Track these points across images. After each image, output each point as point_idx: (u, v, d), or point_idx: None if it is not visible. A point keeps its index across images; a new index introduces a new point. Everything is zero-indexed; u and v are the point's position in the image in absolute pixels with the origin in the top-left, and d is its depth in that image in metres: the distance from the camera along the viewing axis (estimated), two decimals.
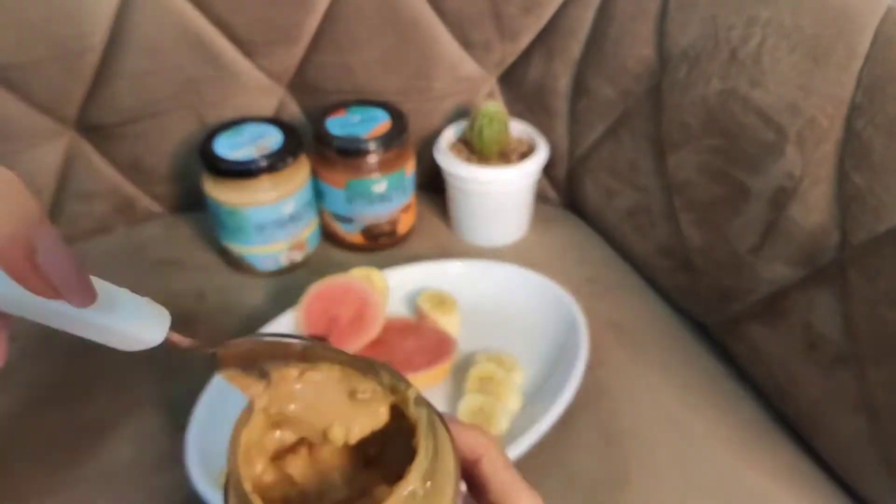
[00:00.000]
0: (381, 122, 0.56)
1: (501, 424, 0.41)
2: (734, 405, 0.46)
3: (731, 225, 0.45)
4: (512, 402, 0.43)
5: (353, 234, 0.59)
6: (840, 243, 0.39)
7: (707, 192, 0.47)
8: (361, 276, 0.50)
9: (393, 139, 0.55)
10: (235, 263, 0.57)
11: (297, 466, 0.24)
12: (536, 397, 0.44)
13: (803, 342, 0.41)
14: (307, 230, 0.57)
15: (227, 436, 0.43)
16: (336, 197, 0.57)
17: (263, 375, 0.25)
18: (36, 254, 0.18)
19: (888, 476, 0.38)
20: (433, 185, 0.64)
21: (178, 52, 0.57)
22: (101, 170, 0.60)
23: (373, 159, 0.55)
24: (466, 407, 0.43)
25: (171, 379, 0.47)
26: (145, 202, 0.63)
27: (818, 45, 0.40)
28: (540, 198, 0.64)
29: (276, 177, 0.53)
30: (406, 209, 0.59)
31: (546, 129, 0.60)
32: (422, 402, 0.22)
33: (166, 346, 0.22)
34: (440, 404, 0.44)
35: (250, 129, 0.55)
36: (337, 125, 0.56)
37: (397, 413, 0.23)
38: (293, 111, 0.64)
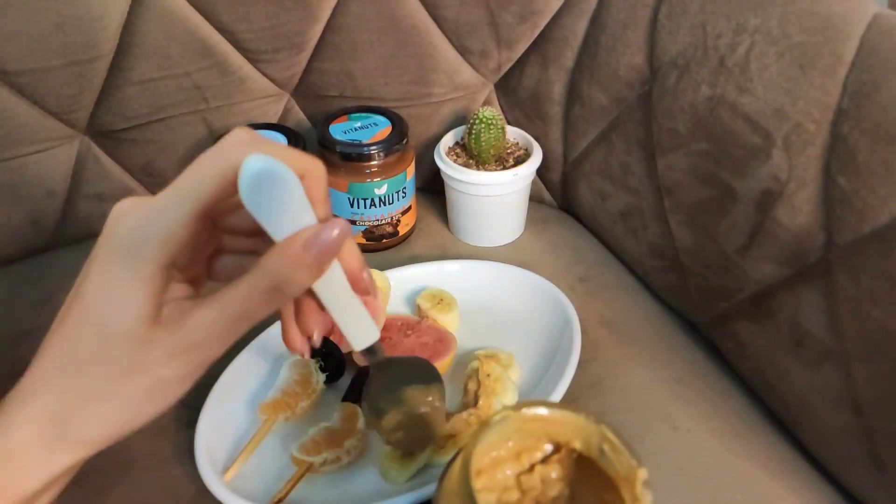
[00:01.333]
0: (382, 128, 0.57)
1: None
2: (723, 399, 0.47)
3: (719, 226, 0.46)
4: (508, 397, 0.44)
5: (355, 235, 0.60)
6: (826, 244, 0.39)
7: (696, 194, 0.48)
8: None
9: (393, 144, 0.56)
10: None
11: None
12: (532, 392, 0.45)
13: (790, 339, 0.42)
14: None
15: (234, 430, 0.45)
16: (339, 199, 0.58)
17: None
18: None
19: (873, 469, 0.38)
20: (433, 188, 0.65)
21: (185, 59, 0.58)
22: (112, 172, 0.61)
23: (374, 163, 0.56)
24: (464, 401, 0.44)
25: None
26: None
27: (805, 52, 0.41)
28: (535, 200, 0.65)
29: None
30: (406, 211, 0.60)
31: (541, 135, 0.61)
32: (648, 485, 0.25)
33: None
34: None
35: None
36: (340, 131, 0.57)
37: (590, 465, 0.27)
38: (297, 117, 0.65)
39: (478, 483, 0.28)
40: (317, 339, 0.29)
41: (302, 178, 0.25)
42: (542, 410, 0.28)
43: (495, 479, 0.29)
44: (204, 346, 0.24)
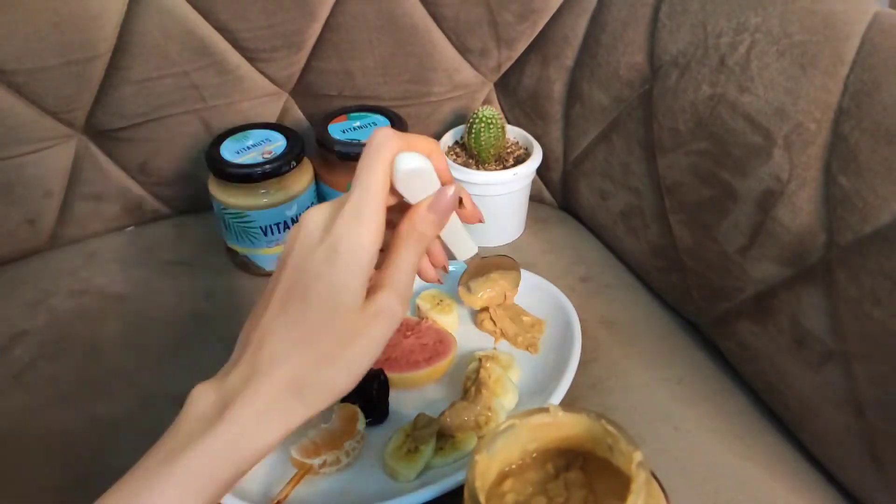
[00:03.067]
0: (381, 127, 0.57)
1: (498, 420, 0.42)
2: (724, 399, 0.47)
3: (720, 226, 0.46)
4: (508, 399, 0.44)
5: None
6: (827, 243, 0.39)
7: (697, 194, 0.48)
8: None
9: None
10: (242, 264, 0.58)
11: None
12: (532, 393, 0.45)
13: (791, 339, 0.42)
14: None
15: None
16: None
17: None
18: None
19: (874, 470, 0.38)
20: None
21: (183, 58, 0.58)
22: (109, 172, 0.61)
23: None
24: (464, 403, 0.44)
25: (184, 376, 0.48)
26: (153, 204, 0.64)
27: (806, 51, 0.41)
28: (536, 199, 0.65)
29: (280, 181, 0.54)
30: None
31: (541, 134, 0.61)
32: (644, 466, 0.26)
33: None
34: (439, 401, 0.45)
35: (255, 135, 0.56)
36: (338, 130, 0.57)
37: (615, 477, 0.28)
38: (296, 116, 0.65)
39: (506, 485, 0.29)
40: (447, 269, 0.39)
41: (429, 156, 0.32)
42: (545, 417, 0.29)
43: (523, 484, 0.30)
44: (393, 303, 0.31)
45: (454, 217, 0.36)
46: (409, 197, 0.32)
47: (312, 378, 0.30)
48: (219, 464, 0.28)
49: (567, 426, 0.29)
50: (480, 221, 0.37)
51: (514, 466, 0.30)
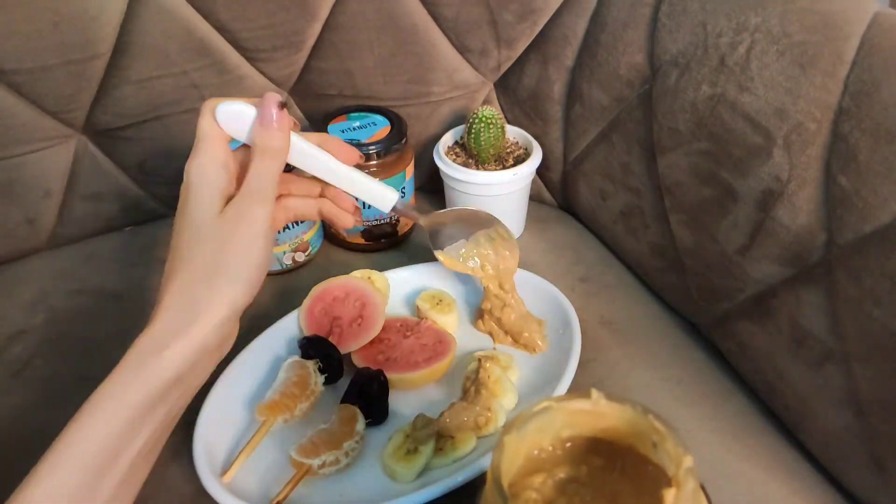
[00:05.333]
0: (380, 128, 0.57)
1: (498, 420, 0.42)
2: (724, 400, 0.47)
3: (719, 226, 0.46)
4: (508, 399, 0.43)
5: (354, 235, 0.60)
6: (826, 243, 0.39)
7: (696, 193, 0.48)
8: (362, 276, 0.51)
9: (392, 144, 0.56)
10: None
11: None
12: (531, 393, 0.45)
13: (791, 339, 0.42)
14: (310, 232, 0.58)
15: (232, 431, 0.45)
16: None
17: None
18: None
19: (874, 471, 0.38)
20: (432, 188, 0.65)
21: (183, 57, 0.58)
22: (108, 172, 0.61)
23: (373, 163, 0.56)
24: (463, 404, 0.44)
25: None
26: (152, 203, 0.64)
27: (805, 51, 0.41)
28: (535, 199, 0.65)
29: None
30: None
31: (541, 134, 0.61)
32: (693, 473, 0.23)
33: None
34: (439, 401, 0.45)
35: None
36: (338, 130, 0.57)
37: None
38: (296, 116, 0.65)
39: (535, 480, 0.27)
40: (359, 210, 0.45)
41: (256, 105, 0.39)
42: (584, 403, 0.26)
43: (552, 484, 0.27)
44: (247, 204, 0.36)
45: (347, 170, 0.41)
46: (240, 136, 0.38)
47: (201, 291, 0.34)
48: (136, 389, 0.33)
49: (608, 417, 0.27)
50: (360, 159, 0.42)
51: (544, 456, 0.27)
